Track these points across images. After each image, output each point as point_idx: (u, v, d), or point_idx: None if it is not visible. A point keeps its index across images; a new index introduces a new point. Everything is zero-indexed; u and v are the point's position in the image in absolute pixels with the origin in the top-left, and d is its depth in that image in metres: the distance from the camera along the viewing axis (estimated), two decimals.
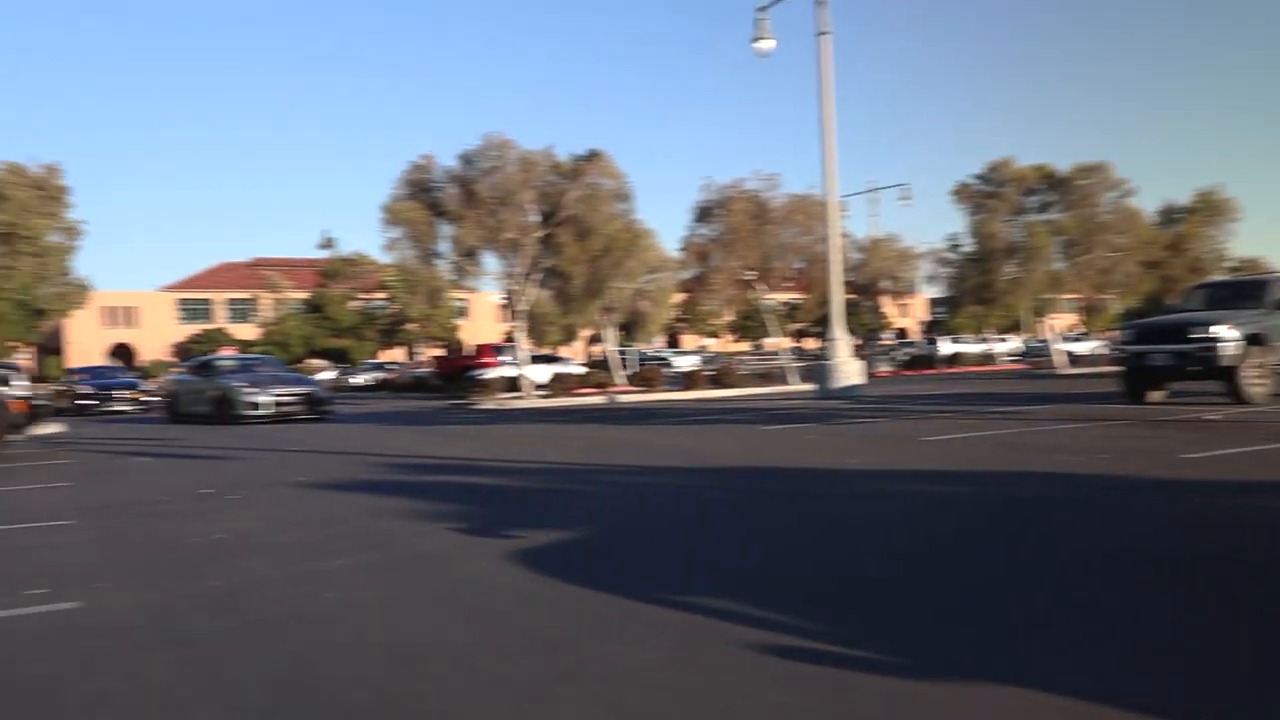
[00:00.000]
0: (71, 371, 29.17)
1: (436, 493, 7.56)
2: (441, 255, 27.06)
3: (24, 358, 62.43)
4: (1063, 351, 36.48)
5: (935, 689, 2.65)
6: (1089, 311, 43.64)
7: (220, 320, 78.14)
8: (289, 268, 76.36)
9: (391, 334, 55.67)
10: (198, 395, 20.60)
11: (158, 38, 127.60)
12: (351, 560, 4.88)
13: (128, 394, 26.36)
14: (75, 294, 27.51)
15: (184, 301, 79.03)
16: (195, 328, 76.63)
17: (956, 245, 37.21)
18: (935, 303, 49.69)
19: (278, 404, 19.14)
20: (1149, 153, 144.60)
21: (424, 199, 26.59)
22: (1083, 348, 45.85)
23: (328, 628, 3.60)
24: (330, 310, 54.88)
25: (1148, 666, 2.74)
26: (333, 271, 57.22)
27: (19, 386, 11.63)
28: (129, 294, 76.19)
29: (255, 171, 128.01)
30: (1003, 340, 52.81)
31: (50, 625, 3.78)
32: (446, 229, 26.71)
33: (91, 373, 28.77)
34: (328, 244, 59.21)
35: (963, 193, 35.65)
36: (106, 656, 3.30)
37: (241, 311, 77.13)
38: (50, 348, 73.53)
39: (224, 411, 18.99)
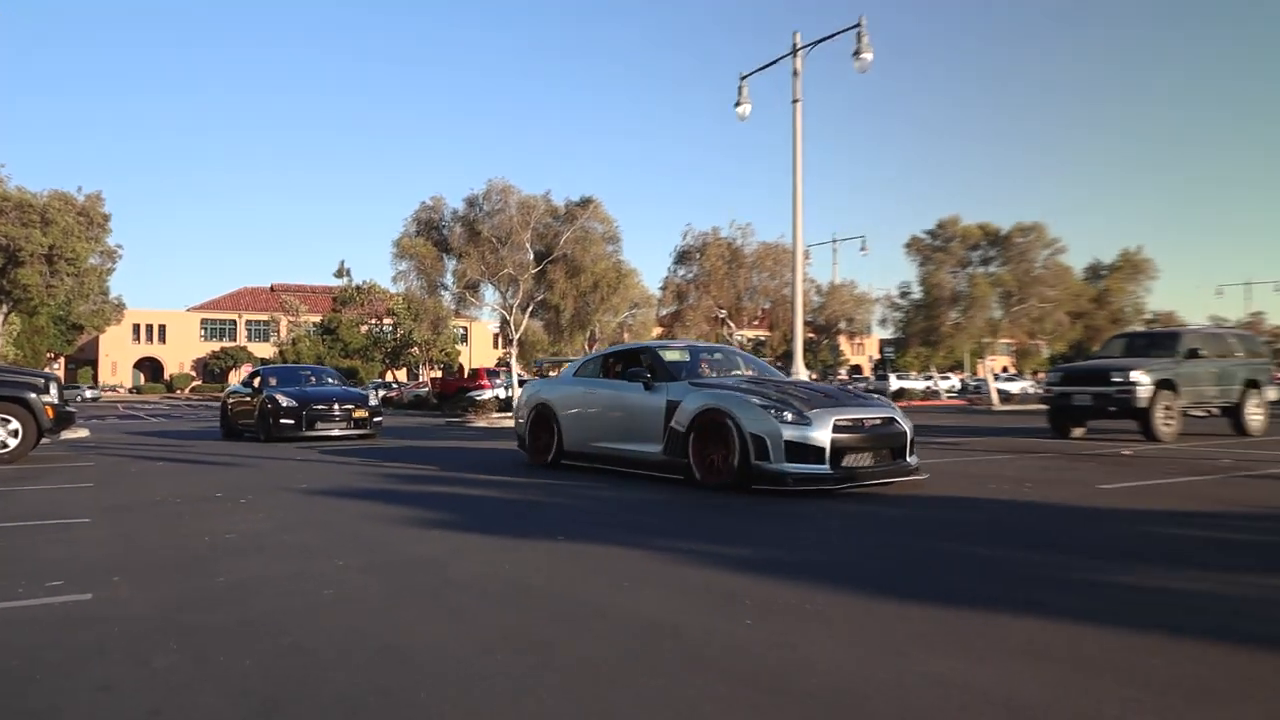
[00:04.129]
0: (259, 374, 17.61)
1: (430, 502, 7.48)
2: (445, 287, 27.06)
3: (57, 368, 61.79)
4: (997, 390, 36.84)
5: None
6: (1022, 355, 44.15)
7: (241, 339, 77.65)
8: (305, 294, 76.08)
9: (396, 356, 55.30)
10: (623, 418, 9.18)
11: (194, 78, 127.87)
12: (347, 561, 4.82)
13: (349, 410, 15.98)
14: (110, 312, 27.13)
15: (208, 321, 78.51)
16: (217, 345, 76.13)
17: (906, 292, 37.58)
18: (885, 343, 50.03)
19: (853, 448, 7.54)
20: (1079, 214, 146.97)
21: (432, 236, 26.63)
22: (1015, 387, 46.29)
23: (323, 622, 3.54)
24: (342, 333, 54.49)
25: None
26: (345, 298, 56.82)
27: (52, 394, 11.44)
28: (158, 313, 75.76)
29: (277, 204, 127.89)
30: (944, 378, 53.23)
31: (63, 615, 3.70)
32: (451, 263, 26.73)
33: (285, 376, 17.47)
34: (342, 273, 58.82)
35: (913, 245, 36.03)
36: (114, 645, 3.23)
37: (261, 331, 76.71)
38: (83, 359, 72.79)
39: (727, 463, 7.60)
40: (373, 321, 56.62)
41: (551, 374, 11.01)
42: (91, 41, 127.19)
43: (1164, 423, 13.85)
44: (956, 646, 3.12)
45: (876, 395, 9.43)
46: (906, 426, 8.02)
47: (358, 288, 56.60)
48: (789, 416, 7.34)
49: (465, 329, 70.52)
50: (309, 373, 18.33)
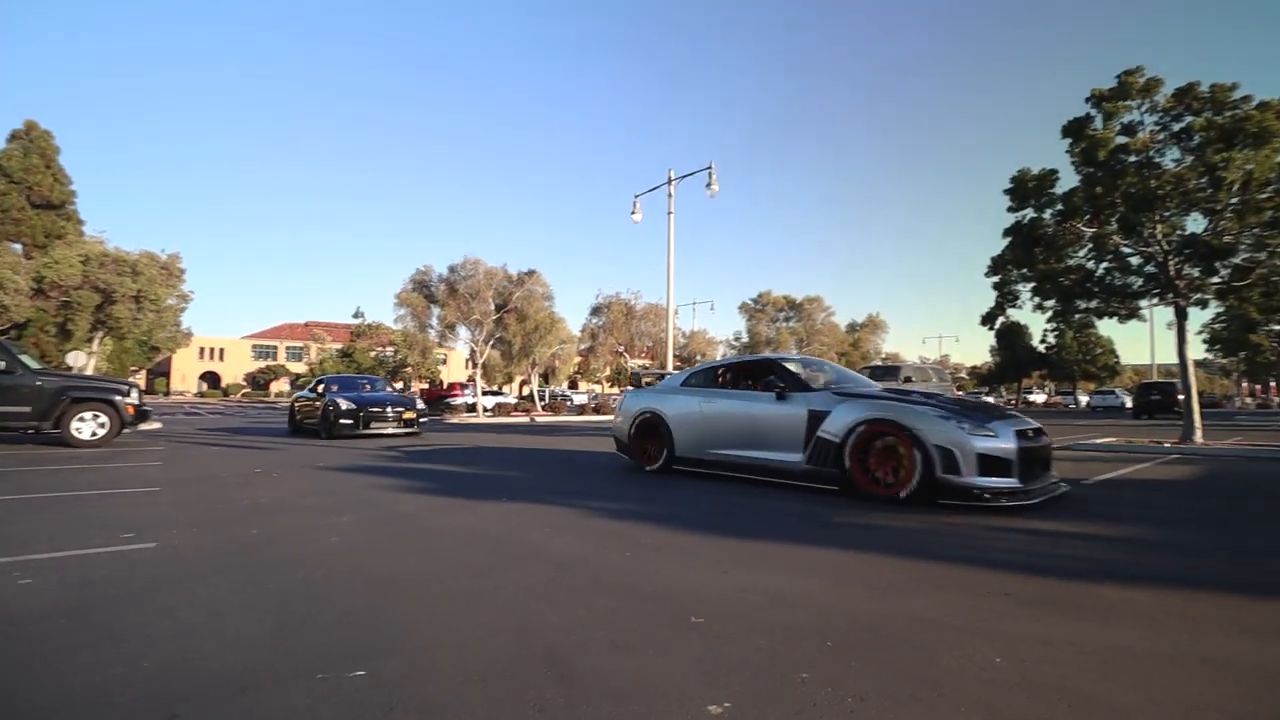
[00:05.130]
0: (323, 382, 14.31)
1: (412, 474, 7.06)
2: (431, 326, 26.27)
3: (138, 378, 56.42)
4: None
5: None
6: None
7: (281, 359, 72.88)
8: (330, 328, 72.23)
9: (395, 372, 53.04)
10: (750, 427, 6.29)
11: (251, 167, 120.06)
12: (351, 517, 4.53)
13: (400, 412, 13.02)
14: (180, 338, 25.05)
15: (256, 346, 73.32)
16: (263, 363, 71.22)
17: (739, 337, 38.71)
18: None
19: (1029, 459, 5.05)
20: (843, 286, 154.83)
21: (423, 291, 25.84)
22: None
23: (330, 561, 3.31)
24: (356, 356, 51.77)
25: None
26: (360, 332, 54.20)
27: (133, 396, 10.41)
28: (218, 339, 70.29)
29: (312, 262, 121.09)
30: None
31: (133, 559, 3.35)
32: (436, 310, 25.99)
33: (345, 384, 14.19)
34: (358, 314, 56.24)
35: (743, 308, 37.22)
36: (170, 581, 2.95)
37: (297, 354, 72.16)
38: (159, 372, 66.77)
39: (901, 475, 5.06)
40: (379, 348, 54.17)
41: (645, 385, 8.09)
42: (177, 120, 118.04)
43: None
44: (762, 567, 3.19)
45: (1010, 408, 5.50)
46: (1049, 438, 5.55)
47: (369, 325, 54.12)
48: (968, 426, 4.90)
49: (445, 355, 68.30)
50: (365, 381, 14.47)
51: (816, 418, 5.71)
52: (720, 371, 7.28)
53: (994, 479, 4.81)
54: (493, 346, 27.67)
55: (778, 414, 6.03)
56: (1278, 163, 10.65)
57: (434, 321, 26.07)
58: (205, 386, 69.51)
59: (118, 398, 10.13)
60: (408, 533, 4.01)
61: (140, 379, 59.12)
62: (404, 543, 3.74)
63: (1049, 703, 1.83)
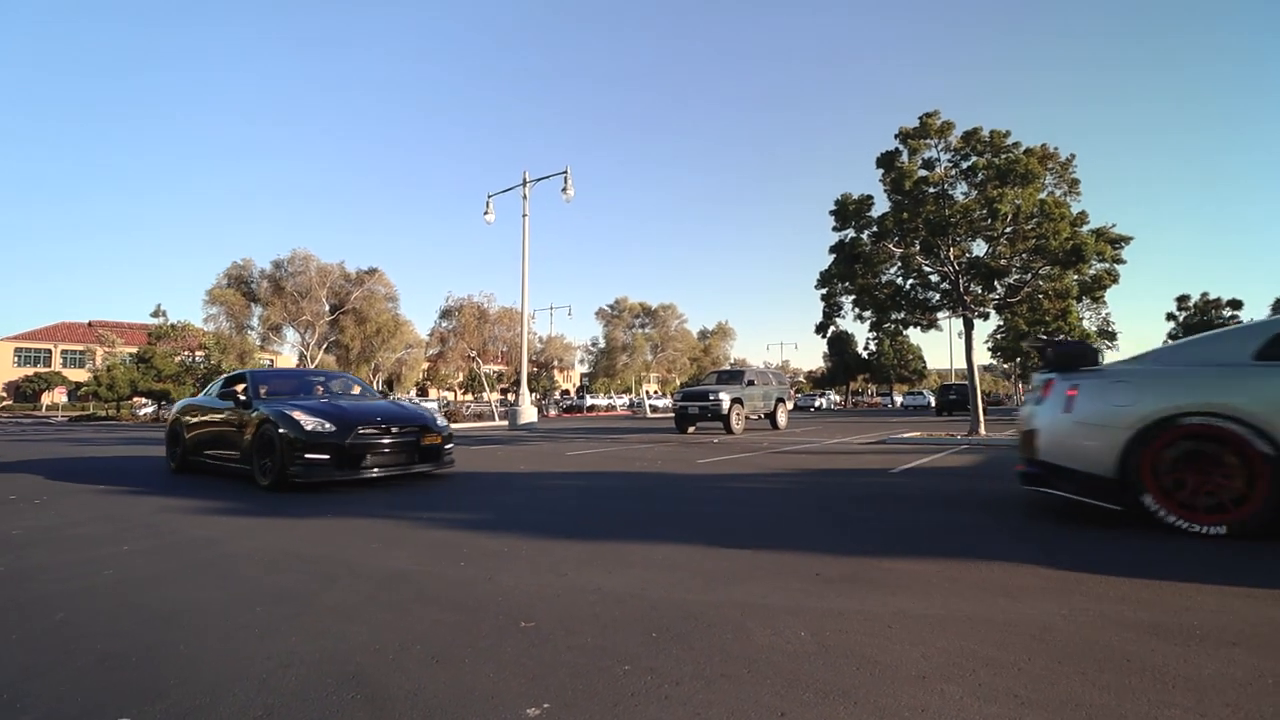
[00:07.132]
0: (243, 379, 7.28)
1: (217, 491, 6.21)
2: (252, 328, 23.54)
3: None
4: (650, 405, 39.36)
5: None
6: (664, 384, 47.72)
7: (56, 366, 61.01)
8: (122, 329, 61.78)
9: (207, 381, 46.49)
10: None
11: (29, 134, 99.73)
12: (133, 546, 3.91)
13: (415, 436, 6.66)
14: None
15: (21, 349, 60.75)
16: (30, 370, 59.13)
17: (596, 343, 39.14)
18: (584, 375, 51.64)
19: None
20: (692, 291, 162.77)
21: (241, 288, 23.13)
22: (661, 403, 49.78)
23: (97, 598, 2.83)
24: (156, 362, 44.68)
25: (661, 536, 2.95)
26: (160, 334, 46.81)
27: None
28: None
29: (100, 251, 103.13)
30: (621, 398, 55.86)
31: None
32: (258, 310, 23.35)
33: (287, 384, 7.61)
34: (158, 313, 48.45)
35: (600, 314, 37.68)
36: None
37: (77, 359, 60.82)
38: None
39: None
40: (186, 352, 47.19)
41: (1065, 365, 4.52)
42: None
43: (736, 423, 15.67)
44: (599, 567, 3.25)
45: None
46: None
47: (172, 326, 46.91)
48: None
49: (271, 360, 61.26)
50: (320, 380, 8.32)
51: None
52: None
53: None
54: (327, 351, 25.44)
55: None
56: (1040, 199, 12.98)
57: (255, 322, 23.42)
58: None
59: None
60: (204, 558, 3.55)
61: None
62: (199, 571, 3.30)
63: (841, 667, 2.05)
